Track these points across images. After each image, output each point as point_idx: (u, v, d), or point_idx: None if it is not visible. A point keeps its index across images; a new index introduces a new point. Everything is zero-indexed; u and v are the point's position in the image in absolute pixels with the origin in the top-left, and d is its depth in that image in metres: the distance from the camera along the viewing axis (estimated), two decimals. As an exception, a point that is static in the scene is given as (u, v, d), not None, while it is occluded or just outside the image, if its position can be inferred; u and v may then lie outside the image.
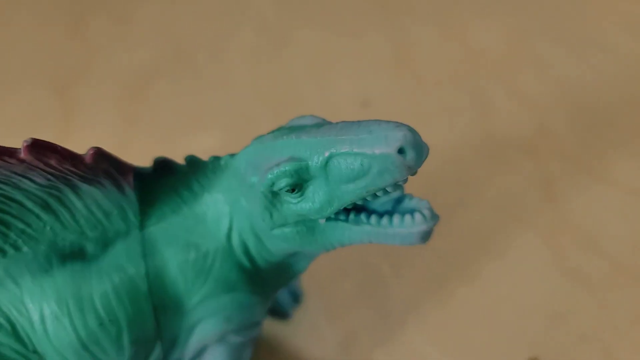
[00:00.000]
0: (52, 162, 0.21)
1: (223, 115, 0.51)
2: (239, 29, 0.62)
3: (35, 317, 0.22)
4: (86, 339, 0.23)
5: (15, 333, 0.22)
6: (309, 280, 0.36)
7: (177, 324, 0.24)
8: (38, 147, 0.21)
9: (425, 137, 0.51)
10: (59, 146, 0.22)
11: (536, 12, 0.62)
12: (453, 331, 0.34)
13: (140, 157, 0.46)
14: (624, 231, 0.39)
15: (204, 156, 0.26)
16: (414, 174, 0.21)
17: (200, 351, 0.25)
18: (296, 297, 0.34)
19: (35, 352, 0.23)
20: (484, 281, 0.37)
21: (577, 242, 0.39)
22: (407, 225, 0.22)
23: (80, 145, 0.49)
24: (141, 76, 0.56)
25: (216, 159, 0.24)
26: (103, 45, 0.60)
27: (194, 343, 0.25)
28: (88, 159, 0.22)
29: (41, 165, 0.21)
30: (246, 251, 0.24)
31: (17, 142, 0.46)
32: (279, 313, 0.33)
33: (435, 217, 0.22)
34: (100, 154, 0.22)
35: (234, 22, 0.63)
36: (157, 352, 0.24)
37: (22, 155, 0.21)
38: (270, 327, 0.34)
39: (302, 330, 0.34)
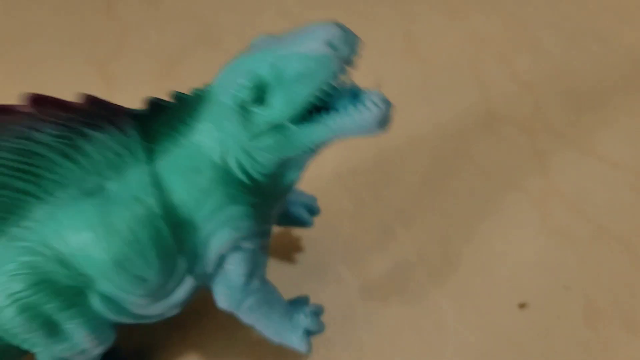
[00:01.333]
0: (54, 111, 0.26)
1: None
2: (262, 13, 0.66)
3: (75, 245, 0.27)
4: (119, 257, 0.27)
5: (62, 261, 0.27)
6: (334, 238, 0.42)
7: (193, 238, 0.28)
8: (39, 99, 0.25)
9: (432, 114, 0.56)
10: (54, 97, 0.26)
11: (537, 0, 0.67)
12: (455, 279, 0.40)
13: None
14: (606, 199, 0.45)
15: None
16: (350, 64, 0.24)
17: (220, 261, 0.29)
18: (312, 210, 0.38)
19: (80, 274, 0.28)
20: (482, 238, 0.42)
21: (563, 207, 0.44)
22: (365, 114, 0.25)
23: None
24: (172, 55, 0.60)
25: (199, 90, 0.28)
26: (135, 25, 0.64)
27: (212, 253, 0.29)
28: (84, 105, 0.26)
29: (45, 117, 0.26)
30: (242, 168, 0.28)
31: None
32: (300, 223, 0.38)
33: (387, 103, 0.25)
34: (92, 100, 0.26)
35: (257, 6, 0.67)
36: (182, 265, 0.29)
37: (27, 108, 0.25)
38: (300, 275, 0.39)
39: (328, 278, 0.40)
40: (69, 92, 0.55)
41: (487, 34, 0.62)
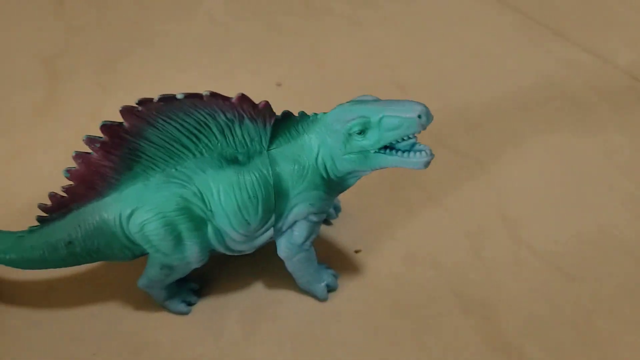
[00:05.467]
0: (244, 106, 0.38)
1: (175, 88, 0.66)
2: (192, 22, 0.76)
3: (214, 191, 0.38)
4: (241, 205, 0.39)
5: (202, 198, 0.39)
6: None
7: (284, 204, 0.40)
8: (244, 98, 0.38)
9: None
10: (249, 98, 0.38)
11: (430, 23, 0.78)
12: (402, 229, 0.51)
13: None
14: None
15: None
16: (424, 129, 0.37)
17: (293, 224, 0.41)
18: (337, 209, 0.51)
19: (210, 210, 0.39)
20: (434, 201, 0.53)
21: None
22: (418, 157, 0.38)
23: (64, 106, 0.63)
24: (112, 54, 0.70)
25: (315, 114, 0.40)
26: (81, 26, 0.74)
27: (290, 217, 0.41)
28: (261, 106, 0.38)
29: (238, 108, 0.38)
30: (325, 168, 0.40)
31: (11, 104, 0.60)
32: (328, 216, 0.50)
33: (432, 155, 0.38)
34: (267, 107, 0.39)
35: (189, 16, 0.77)
36: (272, 219, 0.40)
37: (233, 100, 0.38)
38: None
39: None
40: (14, 83, 0.64)
41: (379, 49, 0.73)
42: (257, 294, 0.46)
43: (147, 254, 0.40)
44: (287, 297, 0.46)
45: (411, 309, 0.45)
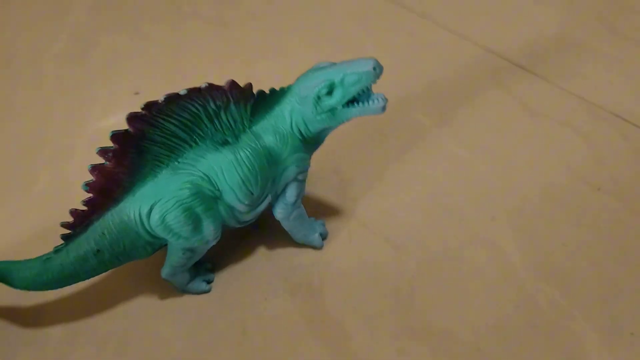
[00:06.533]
0: (233, 90, 0.42)
1: (33, 110, 0.66)
2: (56, 39, 0.76)
3: (218, 172, 0.42)
4: (243, 178, 0.43)
5: (210, 181, 0.42)
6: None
7: (276, 170, 0.44)
8: (233, 83, 0.42)
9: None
10: (237, 83, 0.42)
11: (294, 17, 0.79)
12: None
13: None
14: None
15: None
16: (379, 78, 0.42)
17: (285, 187, 0.46)
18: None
19: (218, 190, 0.42)
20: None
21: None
22: (376, 103, 0.43)
23: None
24: None
25: (282, 88, 0.45)
26: None
27: (282, 181, 0.45)
28: (246, 87, 0.42)
29: (227, 93, 0.42)
30: (299, 131, 0.45)
31: None
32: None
33: (386, 99, 0.43)
34: (251, 87, 0.43)
35: (52, 32, 0.77)
36: (270, 186, 0.44)
37: (225, 87, 0.42)
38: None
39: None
40: None
41: (242, 44, 0.74)
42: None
43: (165, 246, 0.44)
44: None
45: (239, 299, 0.46)
